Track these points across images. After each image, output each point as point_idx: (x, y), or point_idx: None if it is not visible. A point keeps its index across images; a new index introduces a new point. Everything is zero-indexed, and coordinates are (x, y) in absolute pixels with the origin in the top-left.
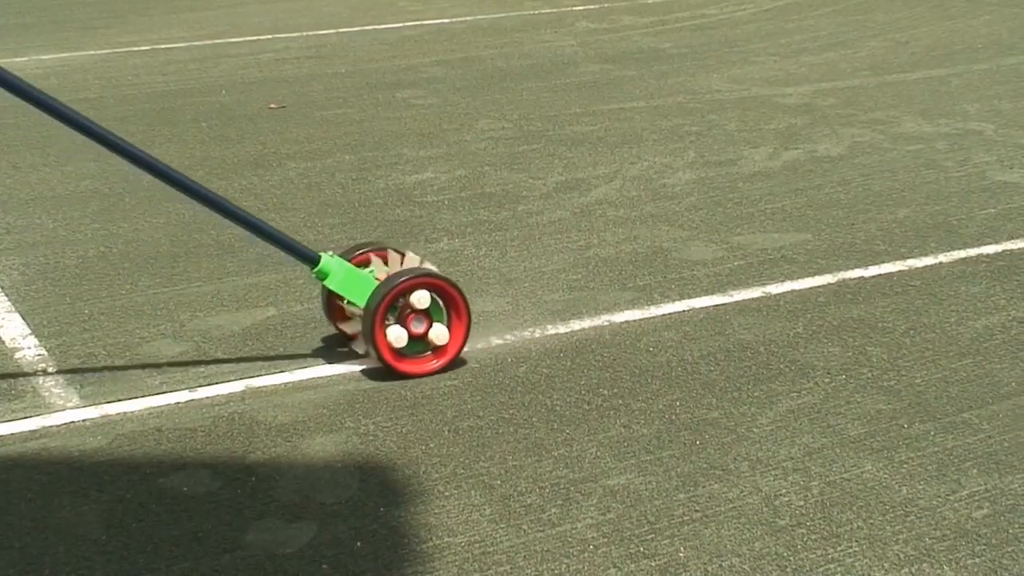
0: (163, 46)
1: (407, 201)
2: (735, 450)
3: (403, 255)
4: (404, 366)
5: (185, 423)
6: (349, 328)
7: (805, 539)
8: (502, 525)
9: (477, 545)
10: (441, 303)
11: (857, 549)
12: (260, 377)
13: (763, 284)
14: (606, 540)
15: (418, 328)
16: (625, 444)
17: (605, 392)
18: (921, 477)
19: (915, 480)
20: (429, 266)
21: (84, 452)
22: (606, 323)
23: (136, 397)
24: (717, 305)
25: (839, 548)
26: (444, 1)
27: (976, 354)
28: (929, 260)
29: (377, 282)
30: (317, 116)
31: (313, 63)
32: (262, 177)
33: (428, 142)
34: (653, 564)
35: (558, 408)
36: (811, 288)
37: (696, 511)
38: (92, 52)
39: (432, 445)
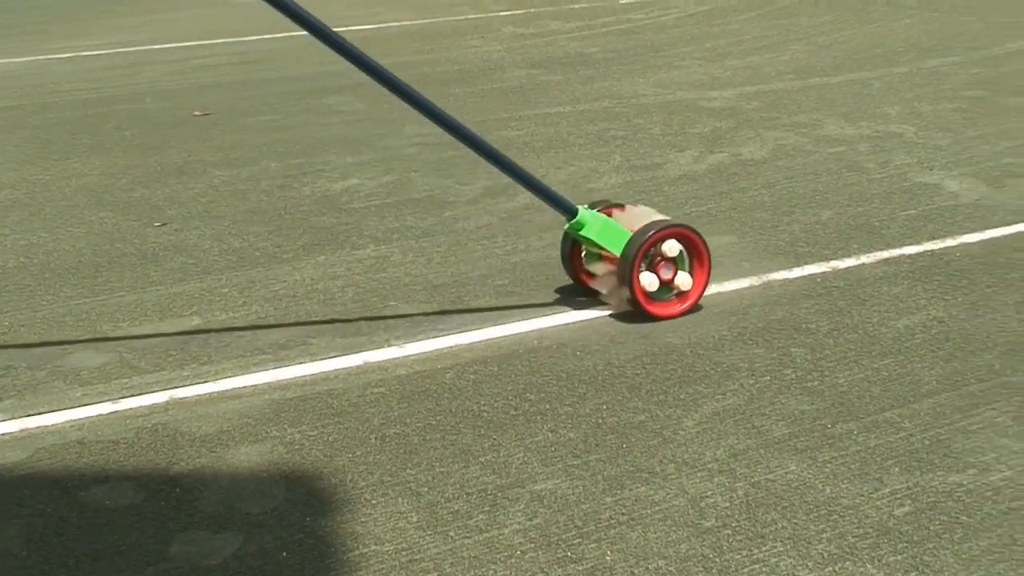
0: (87, 53)
1: (333, 208)
2: (661, 453)
3: (635, 208)
4: (655, 308)
5: (108, 435)
6: (597, 276)
7: (730, 540)
8: (429, 532)
9: (404, 553)
10: (685, 252)
11: (782, 549)
12: (184, 387)
13: None
14: (533, 545)
15: (666, 274)
16: (552, 449)
17: (532, 397)
18: (844, 476)
19: (838, 479)
20: (663, 216)
21: (4, 467)
22: (533, 328)
23: (57, 410)
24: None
25: (764, 548)
26: (372, 7)
27: (897, 353)
28: (852, 261)
29: (629, 233)
30: (243, 123)
31: (240, 70)
32: (186, 185)
33: (355, 148)
34: (580, 568)
35: (485, 414)
36: (736, 290)
37: (623, 514)
38: (11, 60)
39: (358, 453)
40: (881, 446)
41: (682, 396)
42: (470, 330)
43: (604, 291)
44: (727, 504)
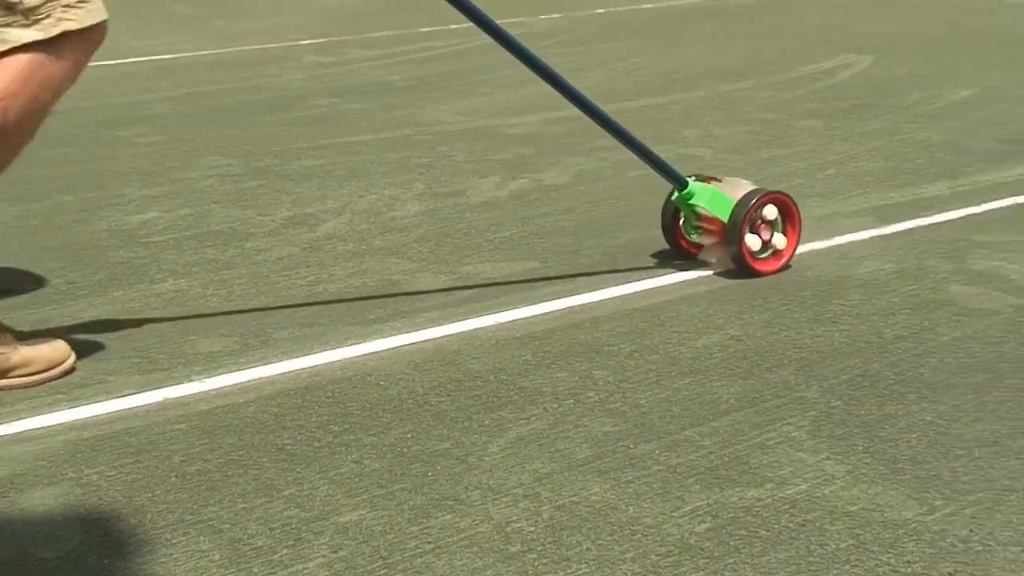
0: None
1: (131, 242)
2: (466, 479)
3: (731, 179)
4: (759, 265)
5: None
6: (704, 245)
7: (536, 564)
8: (231, 570)
9: None
10: (780, 215)
11: (587, 570)
12: None
13: (492, 313)
14: None
15: (766, 236)
16: (356, 480)
17: (336, 428)
18: (647, 496)
19: (641, 499)
20: (756, 186)
21: None
22: (336, 358)
23: None
24: (447, 336)
25: (569, 571)
26: (167, 36)
27: (697, 373)
28: (651, 283)
29: (733, 199)
30: (34, 157)
31: None
32: None
33: (151, 181)
34: None
35: (288, 447)
36: (539, 315)
37: (428, 543)
38: None
39: (158, 492)
40: (682, 464)
41: (486, 422)
42: (272, 362)
43: (710, 254)
44: (532, 528)
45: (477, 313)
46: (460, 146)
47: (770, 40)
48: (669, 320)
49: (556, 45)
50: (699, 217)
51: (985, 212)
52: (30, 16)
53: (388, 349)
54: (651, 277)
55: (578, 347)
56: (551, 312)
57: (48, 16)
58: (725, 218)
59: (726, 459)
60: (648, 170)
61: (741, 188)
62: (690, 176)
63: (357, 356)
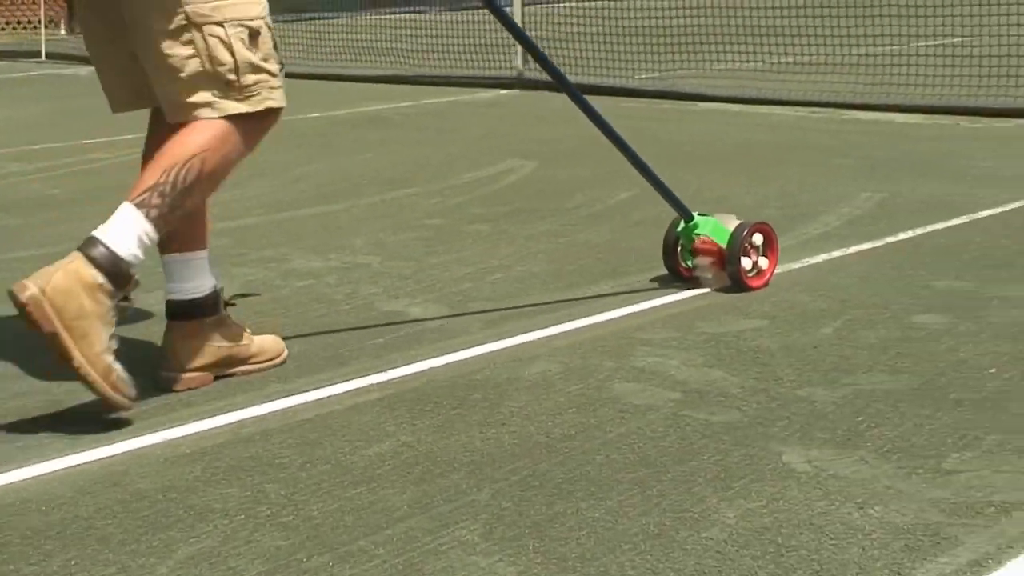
0: None
1: None
2: None
3: (721, 215)
4: (750, 282)
5: None
6: (697, 267)
7: None
8: None
9: None
10: (764, 241)
11: None
12: None
13: (160, 430)
14: None
15: (754, 258)
16: None
17: None
18: None
19: None
20: (739, 219)
21: None
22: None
23: None
24: (113, 455)
25: None
26: None
27: (369, 481)
28: (322, 393)
29: (728, 230)
30: None
31: None
32: None
33: None
34: None
35: None
36: (209, 430)
37: None
38: None
39: None
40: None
41: (155, 543)
42: None
43: (707, 275)
44: None
45: (144, 431)
46: None
47: (436, 147)
48: (340, 429)
49: None
50: (695, 245)
51: (645, 310)
52: (243, 92)
53: (49, 472)
54: (321, 387)
55: (249, 461)
56: (221, 426)
57: (258, 94)
58: (724, 244)
59: (400, 567)
60: (316, 279)
61: (732, 221)
62: (696, 212)
63: (15, 481)
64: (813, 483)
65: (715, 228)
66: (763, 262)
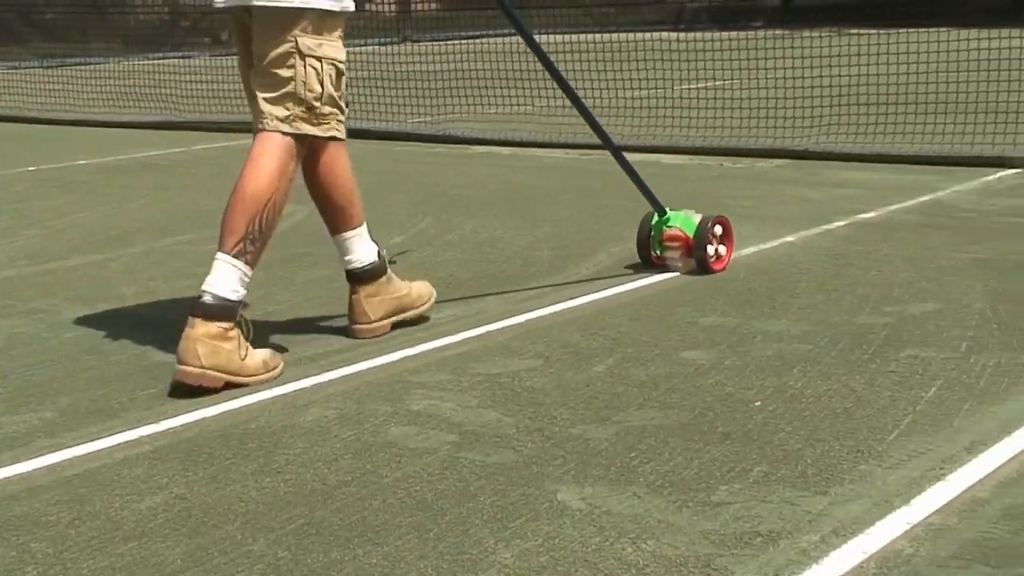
0: None
1: None
2: None
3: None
4: (713, 265)
5: None
6: (668, 255)
7: None
8: None
9: None
10: (721, 232)
11: None
12: None
13: None
14: None
15: (715, 245)
16: None
17: None
18: None
19: None
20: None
21: None
22: None
23: None
24: None
25: None
26: None
27: (141, 536)
28: (92, 447)
29: (694, 222)
30: None
31: None
32: None
33: None
34: None
35: None
36: None
37: None
38: None
39: None
40: None
41: None
42: None
43: (677, 263)
44: None
45: None
46: None
47: (208, 194)
48: (110, 483)
49: None
50: (664, 236)
51: (420, 353)
52: (319, 119)
53: None
54: (91, 440)
55: (15, 520)
56: None
57: (328, 123)
58: (692, 234)
59: None
60: (86, 330)
61: (696, 216)
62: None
63: None
64: (588, 520)
65: (684, 221)
66: (722, 249)
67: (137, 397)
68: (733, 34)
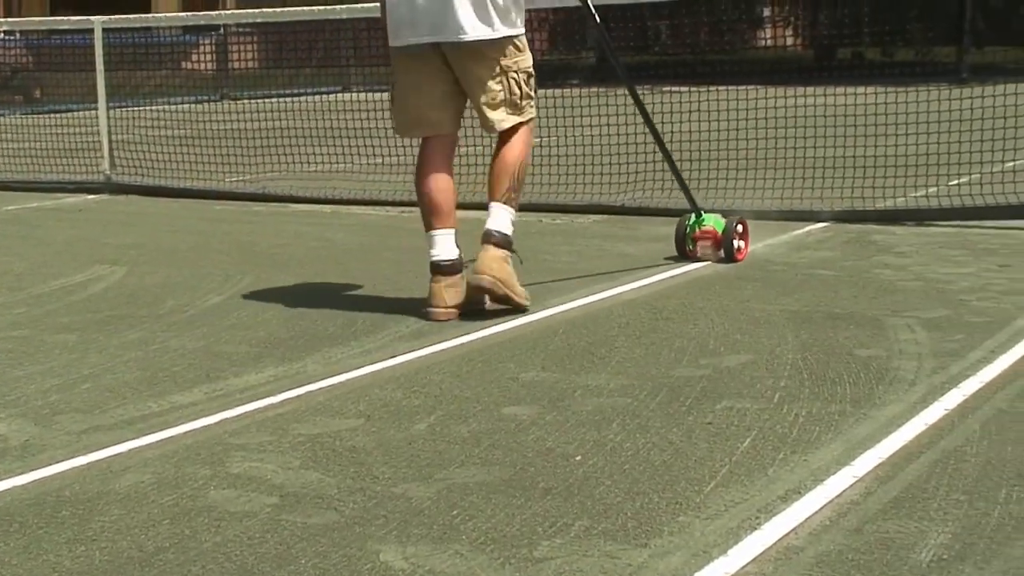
0: None
1: None
2: None
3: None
4: (737, 256)
5: None
6: (700, 248)
7: None
8: None
9: None
10: (742, 229)
11: None
12: None
13: None
14: None
15: (738, 241)
16: None
17: None
18: None
19: None
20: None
21: None
22: None
23: None
24: None
25: None
26: None
27: None
28: None
29: (723, 222)
30: None
31: None
32: None
33: None
34: None
35: None
36: None
37: None
38: None
39: None
40: None
41: None
42: None
43: (708, 253)
44: None
45: None
46: None
47: (18, 255)
48: None
49: None
50: (696, 232)
51: (240, 415)
52: (522, 111)
53: None
54: None
55: None
56: None
57: (529, 110)
58: (721, 230)
59: None
60: None
61: (722, 217)
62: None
63: None
64: None
65: (715, 220)
66: (742, 244)
67: None
68: (551, 91)
